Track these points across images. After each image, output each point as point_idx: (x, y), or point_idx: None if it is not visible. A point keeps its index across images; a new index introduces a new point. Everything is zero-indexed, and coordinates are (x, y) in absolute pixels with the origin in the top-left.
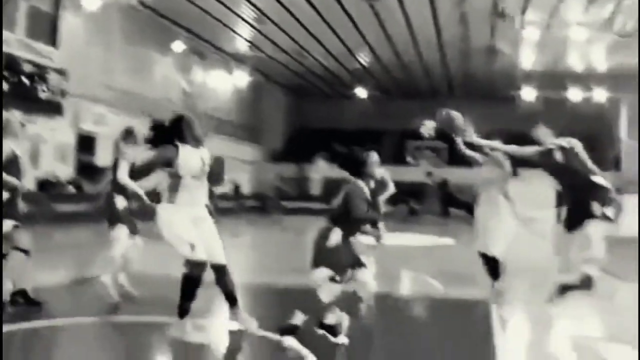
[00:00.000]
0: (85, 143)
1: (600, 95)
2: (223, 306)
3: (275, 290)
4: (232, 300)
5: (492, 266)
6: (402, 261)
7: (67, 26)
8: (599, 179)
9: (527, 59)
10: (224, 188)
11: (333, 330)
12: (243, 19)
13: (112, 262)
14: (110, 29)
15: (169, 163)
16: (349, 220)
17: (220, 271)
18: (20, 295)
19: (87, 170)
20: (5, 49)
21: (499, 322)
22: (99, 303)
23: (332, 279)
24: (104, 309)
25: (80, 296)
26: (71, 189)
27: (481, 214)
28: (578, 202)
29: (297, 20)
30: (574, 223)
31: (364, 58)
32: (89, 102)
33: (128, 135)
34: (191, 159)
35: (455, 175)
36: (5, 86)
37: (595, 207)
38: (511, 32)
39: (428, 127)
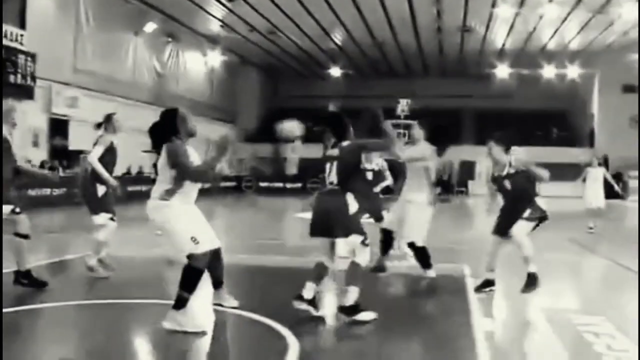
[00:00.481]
0: (58, 127)
1: (573, 71)
2: (205, 288)
3: (250, 269)
4: (219, 282)
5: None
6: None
7: (36, 8)
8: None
9: (501, 37)
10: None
11: (313, 303)
12: None
13: (98, 245)
14: (80, 11)
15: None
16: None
17: (216, 255)
18: (24, 276)
19: (60, 154)
20: None
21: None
22: (83, 284)
23: (363, 243)
24: (89, 290)
25: (65, 278)
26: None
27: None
28: (511, 212)
29: (271, 0)
30: (504, 229)
31: (339, 37)
32: (61, 85)
33: (107, 121)
34: (192, 155)
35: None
36: None
37: (524, 212)
38: (484, 11)
39: (403, 106)
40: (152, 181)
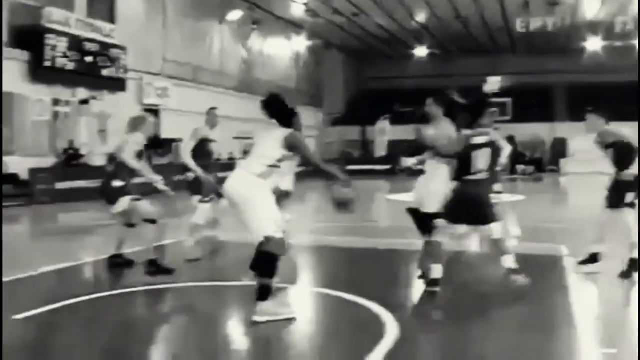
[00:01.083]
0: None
1: None
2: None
3: (345, 251)
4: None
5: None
6: None
7: (125, 3)
8: None
9: (592, 9)
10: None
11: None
12: None
13: (196, 228)
14: (167, 3)
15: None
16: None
17: None
18: (153, 264)
19: (153, 142)
20: (66, 29)
21: None
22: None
23: None
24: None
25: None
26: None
27: None
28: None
29: None
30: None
31: (423, 16)
32: (151, 76)
33: (207, 115)
34: None
35: (520, 131)
36: (70, 65)
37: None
38: None
39: (492, 84)
40: None
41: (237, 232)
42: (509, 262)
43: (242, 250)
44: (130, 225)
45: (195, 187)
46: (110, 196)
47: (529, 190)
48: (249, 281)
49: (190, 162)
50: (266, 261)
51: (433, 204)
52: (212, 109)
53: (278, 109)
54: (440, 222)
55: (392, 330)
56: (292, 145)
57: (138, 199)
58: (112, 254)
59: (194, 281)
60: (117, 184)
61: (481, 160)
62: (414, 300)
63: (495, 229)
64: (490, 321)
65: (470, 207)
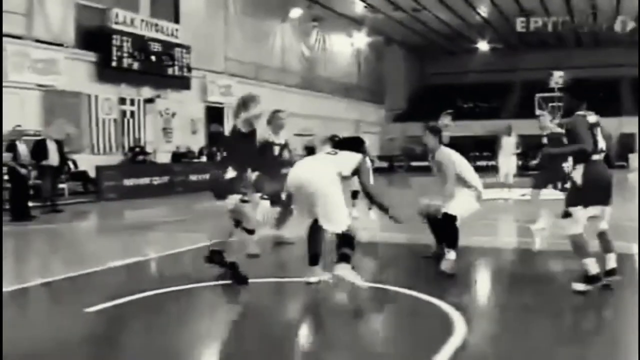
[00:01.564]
0: (214, 114)
1: None
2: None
3: (414, 249)
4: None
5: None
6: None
7: (188, 3)
8: None
9: None
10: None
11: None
12: None
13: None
14: (228, 2)
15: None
16: None
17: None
18: (232, 267)
19: (217, 140)
20: (131, 29)
21: None
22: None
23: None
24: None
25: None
26: (203, 159)
27: None
28: None
29: None
30: None
31: (484, 10)
32: (214, 74)
33: (271, 118)
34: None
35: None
36: (136, 65)
37: None
38: None
39: (556, 78)
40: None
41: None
42: (612, 261)
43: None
44: (239, 223)
45: (258, 185)
46: (219, 190)
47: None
48: (309, 277)
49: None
50: (349, 242)
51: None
52: (276, 111)
53: (355, 144)
54: (575, 210)
55: (460, 328)
56: (359, 170)
57: (246, 201)
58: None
59: (256, 277)
60: (228, 176)
61: (600, 138)
62: (477, 297)
63: (608, 211)
64: (555, 323)
65: (604, 186)
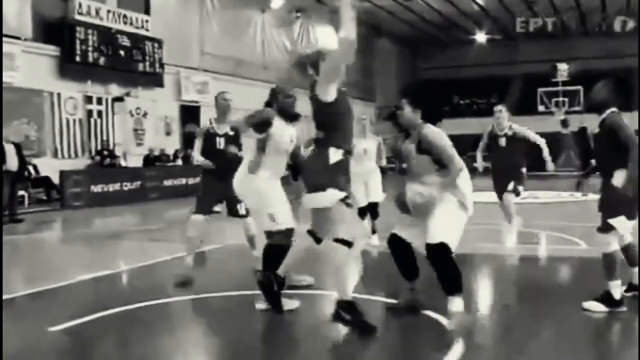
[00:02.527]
0: (190, 113)
1: None
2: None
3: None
4: None
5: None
6: (537, 219)
7: None
8: None
9: None
10: None
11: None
12: None
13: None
14: None
15: (262, 130)
16: None
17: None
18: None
19: (193, 141)
20: (97, 21)
21: None
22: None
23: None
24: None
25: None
26: (179, 163)
27: None
28: None
29: None
30: None
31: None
32: (189, 70)
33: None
34: (282, 132)
35: (595, 123)
36: (102, 60)
37: None
38: None
39: (561, 70)
40: (289, 166)
41: None
42: (636, 276)
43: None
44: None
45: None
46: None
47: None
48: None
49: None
50: (265, 253)
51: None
52: (220, 93)
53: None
54: (619, 222)
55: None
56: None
57: (349, 204)
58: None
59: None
60: (334, 159)
61: None
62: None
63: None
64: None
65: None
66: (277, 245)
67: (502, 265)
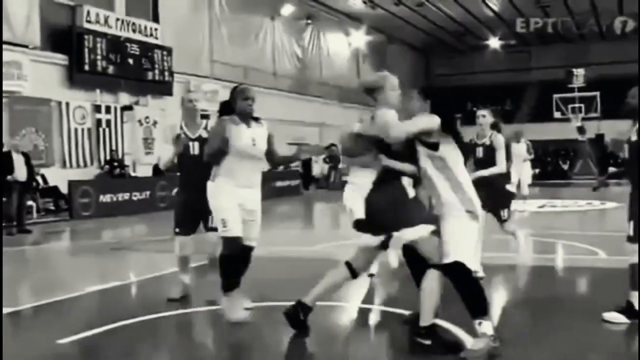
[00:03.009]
0: None
1: None
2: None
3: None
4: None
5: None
6: (554, 228)
7: (168, 1)
8: None
9: None
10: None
11: None
12: None
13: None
14: None
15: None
16: None
17: (246, 251)
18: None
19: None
20: (106, 29)
21: None
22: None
23: None
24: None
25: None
26: None
27: None
28: None
29: None
30: None
31: (495, 3)
32: (199, 78)
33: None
34: (240, 136)
35: (613, 128)
36: (111, 69)
37: None
38: None
39: (577, 76)
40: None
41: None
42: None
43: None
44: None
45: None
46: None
47: (623, 196)
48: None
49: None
50: (220, 261)
51: None
52: (187, 93)
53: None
54: None
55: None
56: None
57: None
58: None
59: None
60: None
61: None
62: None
63: None
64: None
65: None
66: (227, 254)
67: (518, 277)
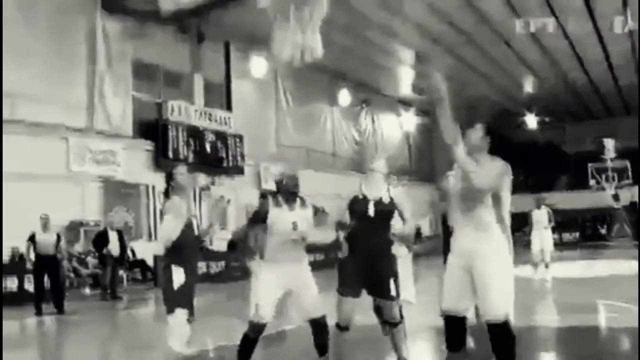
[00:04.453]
0: None
1: None
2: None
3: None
4: (323, 349)
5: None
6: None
7: (240, 92)
8: None
9: None
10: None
11: None
12: (403, 62)
13: None
14: (279, 90)
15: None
16: None
17: (316, 323)
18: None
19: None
20: (186, 119)
21: None
22: None
23: None
24: None
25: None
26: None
27: None
28: None
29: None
30: None
31: (530, 85)
32: (267, 161)
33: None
34: (280, 220)
35: None
36: (191, 155)
37: None
38: None
39: (608, 147)
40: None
41: None
42: None
43: None
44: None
45: None
46: None
47: None
48: None
49: None
50: (241, 342)
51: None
52: (176, 168)
53: None
54: None
55: None
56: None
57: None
58: None
59: None
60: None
61: None
62: None
63: None
64: None
65: None
66: (247, 335)
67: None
